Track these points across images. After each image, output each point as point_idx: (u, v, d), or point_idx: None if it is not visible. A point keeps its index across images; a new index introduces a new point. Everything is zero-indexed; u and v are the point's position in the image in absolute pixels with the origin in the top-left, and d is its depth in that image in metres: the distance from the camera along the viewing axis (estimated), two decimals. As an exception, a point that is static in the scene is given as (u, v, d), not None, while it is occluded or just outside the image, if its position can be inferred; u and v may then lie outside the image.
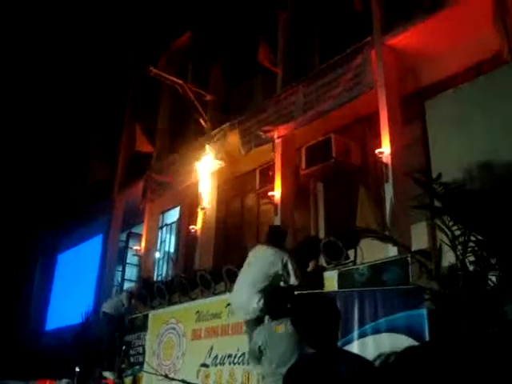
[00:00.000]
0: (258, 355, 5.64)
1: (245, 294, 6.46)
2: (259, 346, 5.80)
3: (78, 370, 10.02)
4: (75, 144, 21.80)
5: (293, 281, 6.49)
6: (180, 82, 14.55)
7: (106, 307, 11.52)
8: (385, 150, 9.36)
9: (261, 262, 6.61)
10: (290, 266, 6.47)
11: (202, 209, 13.33)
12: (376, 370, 2.89)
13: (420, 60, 10.04)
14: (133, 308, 11.87)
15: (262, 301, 6.22)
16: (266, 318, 6.14)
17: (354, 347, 6.39)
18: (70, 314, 18.31)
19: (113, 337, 11.16)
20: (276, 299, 5.87)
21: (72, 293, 19.66)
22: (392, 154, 9.26)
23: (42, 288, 22.56)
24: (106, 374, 10.78)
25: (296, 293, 6.36)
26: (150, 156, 16.46)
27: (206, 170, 13.48)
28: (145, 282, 12.56)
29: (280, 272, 6.44)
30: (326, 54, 11.61)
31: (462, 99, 9.46)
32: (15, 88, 23.47)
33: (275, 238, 6.94)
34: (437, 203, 5.97)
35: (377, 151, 9.53)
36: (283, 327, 5.48)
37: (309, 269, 8.04)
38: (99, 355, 11.29)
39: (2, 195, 23.60)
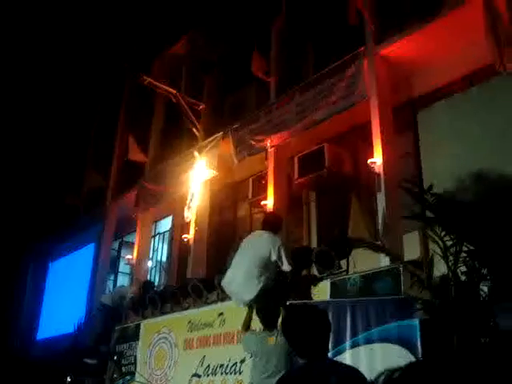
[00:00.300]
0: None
1: (239, 280, 6.44)
2: (250, 353, 5.80)
3: (69, 380, 9.94)
4: (69, 152, 21.77)
5: (286, 267, 6.47)
6: (173, 91, 14.57)
7: (105, 298, 11.53)
8: (377, 159, 9.37)
9: (256, 247, 6.57)
10: (283, 253, 6.45)
11: (186, 218, 13.29)
12: (366, 380, 2.91)
13: (413, 70, 10.08)
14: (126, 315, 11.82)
15: (255, 294, 6.19)
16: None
17: (347, 357, 6.38)
18: (62, 323, 18.22)
19: (108, 326, 11.16)
20: (269, 309, 5.86)
21: (64, 301, 19.57)
22: (384, 163, 9.27)
23: (34, 296, 22.43)
24: (88, 360, 10.73)
25: (287, 303, 6.34)
26: (144, 165, 16.44)
27: (198, 179, 13.46)
28: (145, 284, 12.42)
29: (274, 258, 6.41)
30: (319, 64, 11.65)
31: (455, 109, 9.49)
32: (10, 97, 23.48)
33: (271, 225, 6.89)
34: (429, 213, 5.99)
35: (369, 161, 9.55)
36: (274, 339, 5.49)
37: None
38: (88, 351, 11.29)
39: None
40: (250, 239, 6.88)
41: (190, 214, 13.28)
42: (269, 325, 5.72)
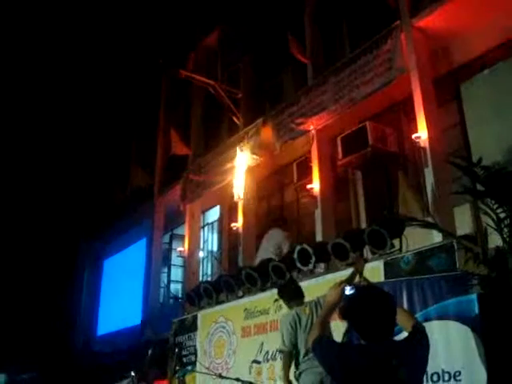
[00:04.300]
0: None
1: None
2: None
3: (133, 374, 10.07)
4: (115, 152, 22.13)
5: None
6: (211, 82, 14.63)
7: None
8: (421, 134, 9.24)
9: None
10: None
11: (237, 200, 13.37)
12: (427, 363, 2.92)
13: (450, 40, 9.86)
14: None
15: None
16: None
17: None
18: (120, 318, 18.65)
19: None
20: (290, 290, 6.41)
21: (120, 297, 19.96)
22: (429, 138, 9.12)
23: (91, 295, 22.96)
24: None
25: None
26: (187, 157, 16.58)
27: (242, 167, 13.49)
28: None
29: None
30: (355, 42, 11.52)
31: (499, 79, 9.23)
32: (56, 96, 23.99)
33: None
34: (478, 186, 5.89)
35: (413, 136, 9.42)
36: (307, 310, 6.08)
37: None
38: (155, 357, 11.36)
39: (46, 207, 24.15)
40: None
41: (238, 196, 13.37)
42: (299, 304, 6.17)
